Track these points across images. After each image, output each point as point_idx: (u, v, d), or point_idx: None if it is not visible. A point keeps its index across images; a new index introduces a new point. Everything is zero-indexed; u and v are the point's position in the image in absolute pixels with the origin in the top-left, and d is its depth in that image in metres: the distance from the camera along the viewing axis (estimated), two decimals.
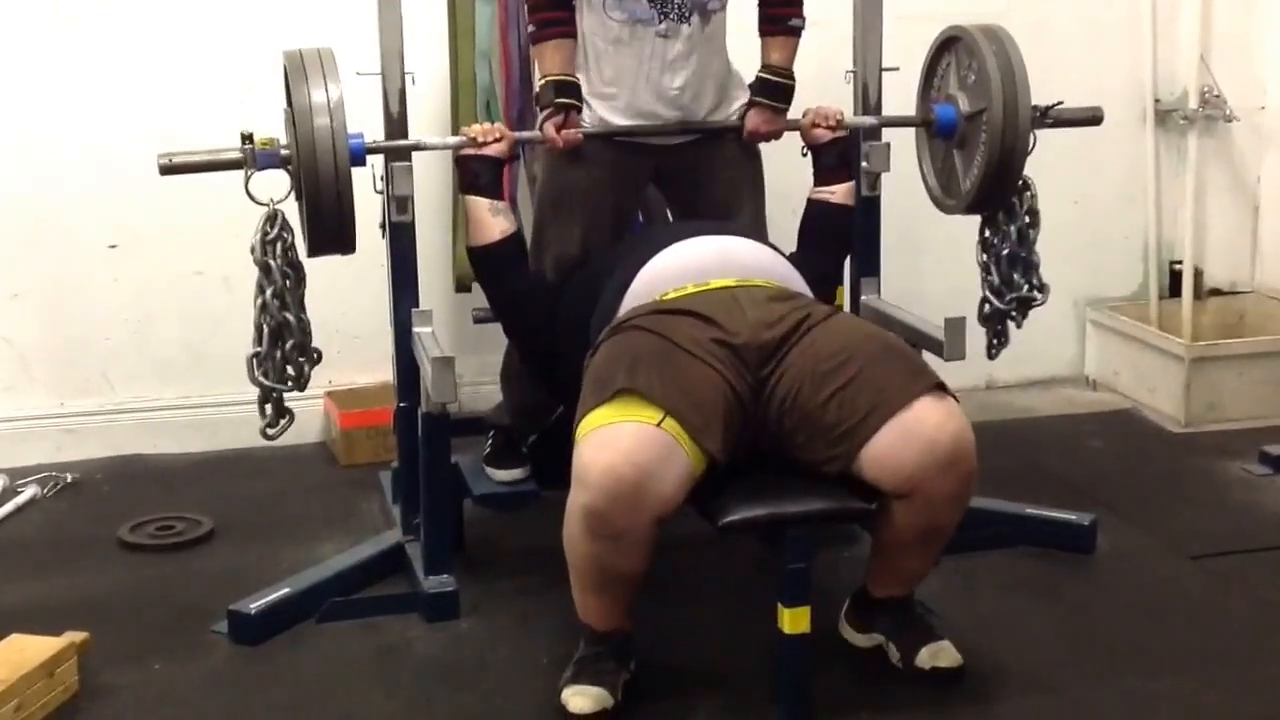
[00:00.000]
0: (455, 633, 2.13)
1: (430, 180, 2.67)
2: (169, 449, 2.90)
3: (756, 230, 2.27)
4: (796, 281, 2.07)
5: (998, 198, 2.27)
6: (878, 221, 2.45)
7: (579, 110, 2.15)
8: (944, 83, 2.34)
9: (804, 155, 2.28)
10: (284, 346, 1.98)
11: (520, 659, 2.04)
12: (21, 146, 2.79)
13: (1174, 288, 3.27)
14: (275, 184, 1.99)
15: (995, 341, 2.39)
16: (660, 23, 2.13)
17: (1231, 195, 3.32)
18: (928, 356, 2.15)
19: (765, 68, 2.23)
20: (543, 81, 2.16)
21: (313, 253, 2.00)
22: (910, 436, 1.81)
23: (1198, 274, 3.26)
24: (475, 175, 2.11)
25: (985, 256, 2.36)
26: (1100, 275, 3.27)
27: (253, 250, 1.97)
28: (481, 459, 2.39)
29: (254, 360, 1.98)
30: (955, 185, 2.33)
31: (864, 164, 2.40)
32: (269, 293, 1.96)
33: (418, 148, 2.20)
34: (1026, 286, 2.33)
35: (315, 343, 2.05)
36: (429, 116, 2.69)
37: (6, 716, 1.81)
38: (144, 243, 2.86)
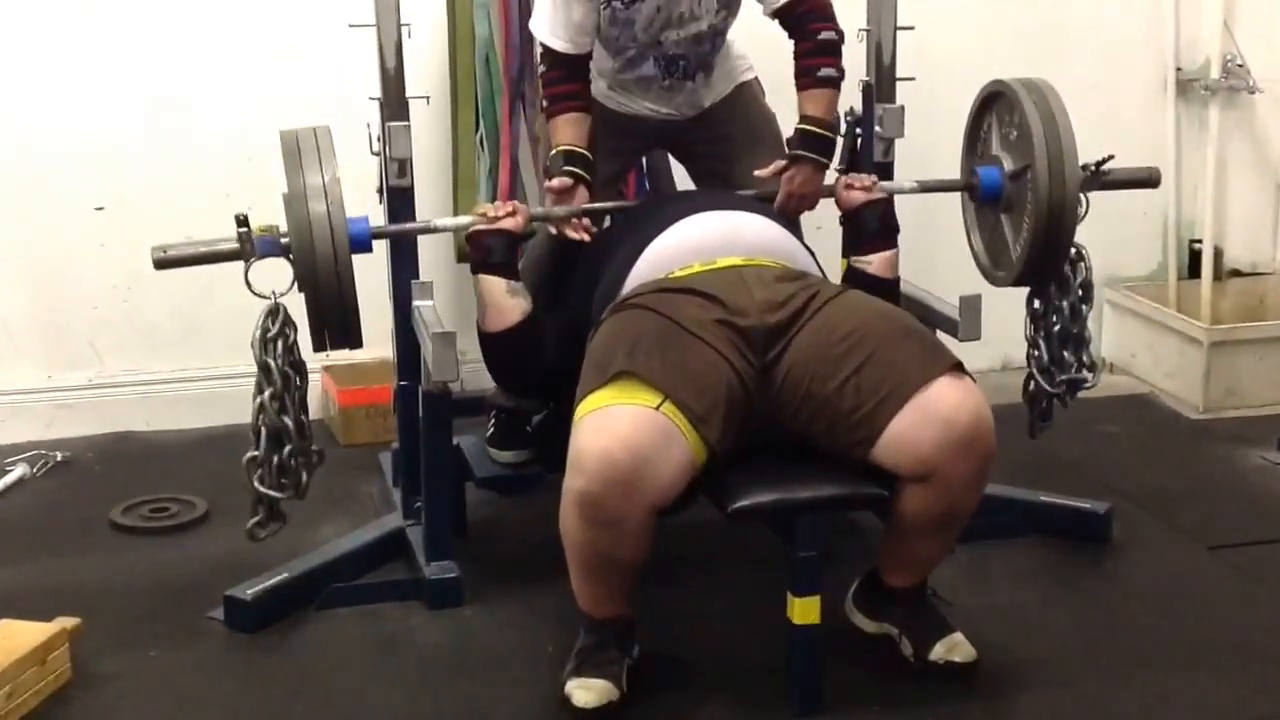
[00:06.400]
0: (458, 620, 2.09)
1: (430, 141, 2.59)
2: (161, 425, 2.85)
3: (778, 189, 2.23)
4: (806, 260, 2.02)
5: (1049, 266, 2.13)
6: (891, 197, 2.38)
7: (588, 185, 2.08)
8: (986, 145, 2.21)
9: (841, 224, 2.15)
10: (281, 452, 1.88)
11: (525, 648, 2.01)
12: (2, 102, 2.70)
13: (1193, 268, 3.21)
14: (275, 274, 1.85)
15: (1040, 422, 2.28)
16: (666, 79, 2.14)
17: (1254, 171, 3.25)
18: (942, 337, 2.10)
19: (803, 119, 2.08)
20: (553, 153, 2.09)
21: (317, 348, 1.89)
22: (928, 417, 1.77)
23: (1218, 254, 3.20)
24: (489, 252, 1.97)
25: (1034, 332, 2.23)
26: (1118, 253, 3.19)
27: (252, 346, 1.86)
28: (484, 440, 2.34)
29: (251, 464, 1.88)
30: (1005, 254, 2.18)
31: (877, 128, 2.33)
32: (267, 394, 1.85)
33: (428, 230, 2.10)
34: (1075, 365, 2.21)
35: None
36: (427, 72, 2.60)
37: None
38: (131, 204, 2.78)
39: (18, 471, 2.61)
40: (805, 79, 2.09)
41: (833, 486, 1.83)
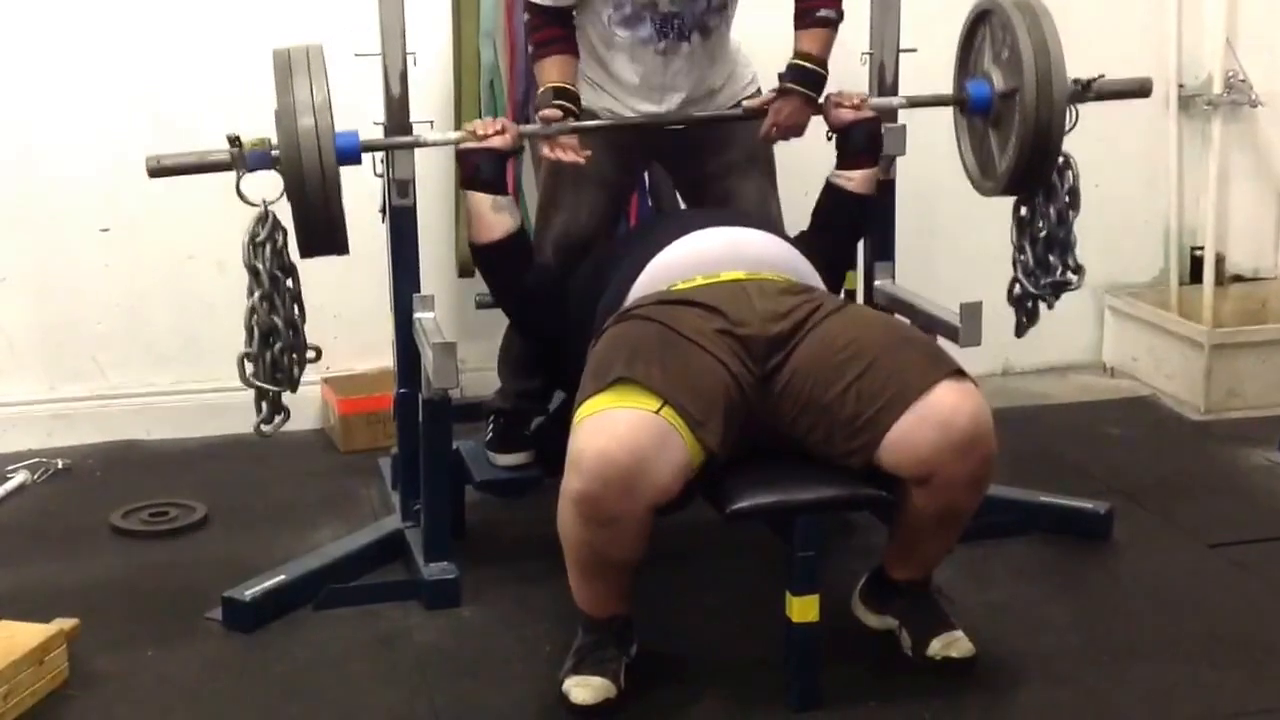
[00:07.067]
0: (456, 621, 2.09)
1: (432, 163, 2.63)
2: (162, 435, 2.86)
3: (767, 210, 2.24)
4: (809, 275, 2.03)
5: (1034, 178, 2.16)
6: (892, 205, 2.39)
7: (576, 116, 2.11)
8: (979, 59, 2.23)
9: (829, 139, 2.18)
10: (273, 348, 1.93)
11: (522, 647, 2.01)
12: (9, 126, 2.73)
13: (1195, 273, 3.21)
14: (271, 183, 1.91)
15: (1024, 320, 2.29)
16: (660, 41, 2.14)
17: (1255, 181, 3.26)
18: (943, 343, 2.10)
19: (797, 54, 2.14)
20: (542, 90, 2.13)
21: (305, 254, 1.94)
22: (926, 420, 1.77)
23: (1219, 260, 3.21)
24: (477, 169, 2.04)
25: (1019, 237, 2.25)
26: (1120, 261, 3.20)
27: (242, 250, 1.92)
28: (483, 444, 2.34)
29: (244, 361, 1.94)
30: (992, 166, 2.22)
31: None
32: (256, 295, 1.92)
33: (417, 144, 2.13)
34: (1061, 268, 2.22)
35: (315, 329, 2.00)
36: (431, 98, 2.63)
37: None
38: (136, 226, 2.81)
39: (19, 478, 2.62)
40: (804, 19, 2.14)
41: (831, 488, 1.83)
